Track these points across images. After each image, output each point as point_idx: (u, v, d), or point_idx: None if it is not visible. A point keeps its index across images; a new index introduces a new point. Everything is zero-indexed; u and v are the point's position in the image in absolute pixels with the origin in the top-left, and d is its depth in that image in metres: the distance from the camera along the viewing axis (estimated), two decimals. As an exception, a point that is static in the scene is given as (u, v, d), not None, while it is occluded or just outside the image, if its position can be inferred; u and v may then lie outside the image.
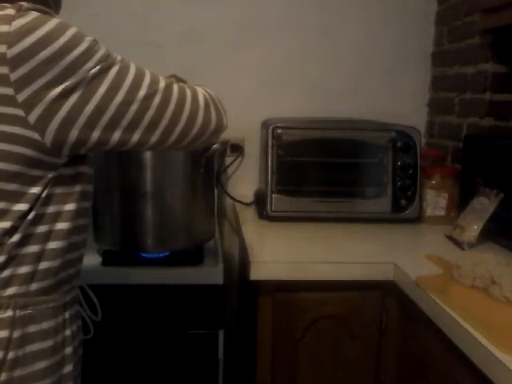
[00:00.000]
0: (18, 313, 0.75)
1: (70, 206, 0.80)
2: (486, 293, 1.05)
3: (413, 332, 1.18)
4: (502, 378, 0.80)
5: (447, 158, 1.80)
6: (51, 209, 0.78)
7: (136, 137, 0.78)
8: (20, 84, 0.69)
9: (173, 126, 0.81)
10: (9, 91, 0.69)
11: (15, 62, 0.68)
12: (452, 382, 0.99)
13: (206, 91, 0.90)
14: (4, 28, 0.69)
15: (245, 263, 1.36)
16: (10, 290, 0.75)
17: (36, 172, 0.75)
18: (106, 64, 0.75)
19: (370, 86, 1.94)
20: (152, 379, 1.35)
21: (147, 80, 0.79)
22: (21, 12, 0.71)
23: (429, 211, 1.65)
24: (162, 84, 0.80)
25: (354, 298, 1.27)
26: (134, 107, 0.76)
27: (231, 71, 1.90)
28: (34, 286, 0.77)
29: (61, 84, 0.71)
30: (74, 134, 0.74)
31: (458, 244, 1.41)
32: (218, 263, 1.36)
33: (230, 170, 1.93)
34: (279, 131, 1.60)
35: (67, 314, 0.84)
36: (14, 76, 0.69)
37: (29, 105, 0.70)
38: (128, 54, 1.96)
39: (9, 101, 0.69)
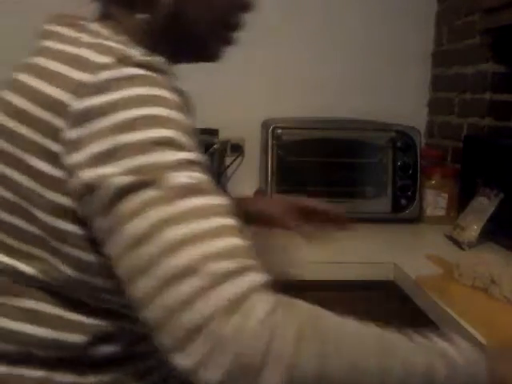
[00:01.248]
0: None
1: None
2: (486, 293, 1.05)
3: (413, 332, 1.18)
4: (501, 377, 0.80)
5: (447, 158, 1.80)
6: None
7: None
8: (71, 146, 0.56)
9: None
10: (56, 148, 0.57)
11: (75, 118, 0.56)
12: (452, 381, 0.99)
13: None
14: (84, 76, 0.57)
15: (245, 263, 1.35)
16: None
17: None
18: (145, 180, 0.53)
19: (370, 86, 1.94)
20: (152, 379, 1.35)
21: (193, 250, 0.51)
22: (119, 64, 0.57)
23: (429, 211, 1.65)
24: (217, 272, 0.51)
25: (354, 297, 1.27)
26: (132, 260, 0.53)
27: (231, 71, 1.89)
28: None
29: (93, 167, 0.55)
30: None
31: (458, 244, 1.40)
32: (218, 263, 1.36)
33: (229, 170, 1.93)
34: (279, 131, 1.60)
35: None
36: (69, 134, 0.56)
37: (69, 171, 0.57)
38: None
39: (52, 158, 0.57)
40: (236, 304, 0.49)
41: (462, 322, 0.92)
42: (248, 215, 0.99)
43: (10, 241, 0.63)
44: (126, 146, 0.54)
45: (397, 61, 1.94)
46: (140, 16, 0.68)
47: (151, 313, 0.52)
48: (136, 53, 0.60)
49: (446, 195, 1.63)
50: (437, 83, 1.92)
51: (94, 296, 0.64)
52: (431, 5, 1.92)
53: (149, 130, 0.55)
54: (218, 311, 0.49)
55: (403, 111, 1.90)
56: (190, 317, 0.49)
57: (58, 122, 0.57)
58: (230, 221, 0.55)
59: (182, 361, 0.49)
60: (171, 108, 0.57)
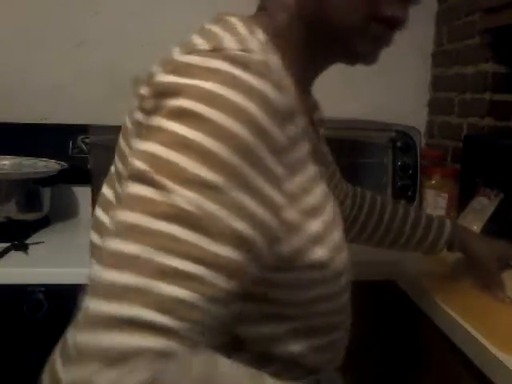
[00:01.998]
0: None
1: None
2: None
3: (413, 332, 1.18)
4: (502, 378, 0.80)
5: (447, 158, 1.80)
6: None
7: None
8: (148, 116, 0.57)
9: None
10: (140, 117, 0.59)
11: (153, 89, 0.57)
12: (452, 381, 0.99)
13: None
14: (178, 55, 0.57)
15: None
16: None
17: None
18: (150, 175, 0.49)
19: (370, 86, 1.94)
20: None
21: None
22: (210, 53, 0.55)
23: (429, 211, 1.64)
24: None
25: (355, 297, 1.27)
26: None
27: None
28: None
29: (142, 139, 0.57)
30: None
31: (458, 244, 1.40)
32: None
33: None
34: (279, 131, 1.60)
35: None
36: (148, 103, 0.57)
37: None
38: (128, 53, 1.94)
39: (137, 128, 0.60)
40: (120, 360, 0.42)
41: (463, 322, 0.92)
42: (453, 245, 1.07)
43: None
44: (159, 130, 0.51)
45: (397, 61, 1.94)
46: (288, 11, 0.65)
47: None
48: (236, 46, 0.55)
49: (445, 195, 1.63)
50: (437, 83, 1.92)
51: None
52: (431, 5, 1.92)
53: (185, 127, 0.50)
54: (101, 357, 0.42)
55: (403, 111, 1.90)
56: (85, 339, 0.43)
57: (144, 91, 0.58)
58: (207, 274, 0.47)
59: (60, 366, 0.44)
60: (233, 117, 0.50)
